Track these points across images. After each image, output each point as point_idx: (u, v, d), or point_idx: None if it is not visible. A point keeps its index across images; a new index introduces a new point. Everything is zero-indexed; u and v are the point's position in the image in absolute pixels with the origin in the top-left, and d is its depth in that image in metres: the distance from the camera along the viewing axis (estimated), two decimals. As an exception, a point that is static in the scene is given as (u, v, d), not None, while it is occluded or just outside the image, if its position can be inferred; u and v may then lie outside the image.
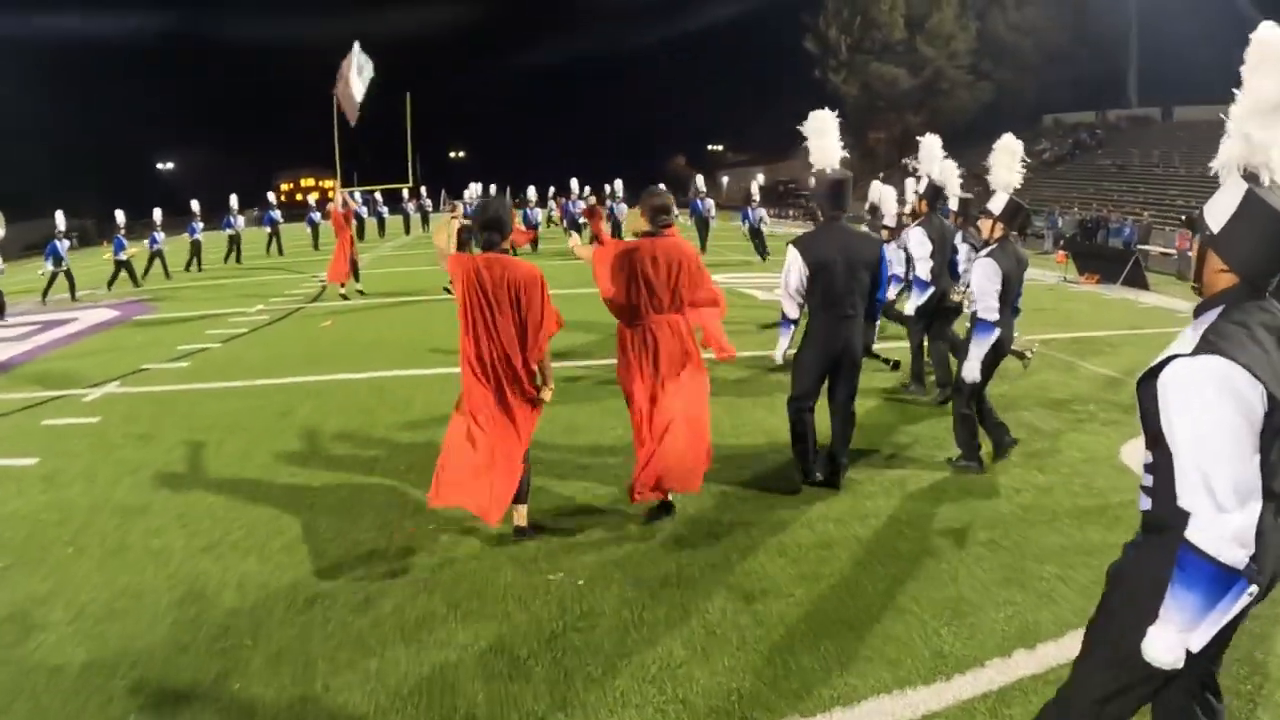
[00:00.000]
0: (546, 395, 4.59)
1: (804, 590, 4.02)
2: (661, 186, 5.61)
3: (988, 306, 5.34)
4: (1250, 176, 2.12)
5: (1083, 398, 7.49)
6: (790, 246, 5.01)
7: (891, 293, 9.73)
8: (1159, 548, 2.04)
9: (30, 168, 48.35)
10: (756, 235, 20.27)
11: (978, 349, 5.38)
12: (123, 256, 18.87)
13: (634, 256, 4.64)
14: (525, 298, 4.26)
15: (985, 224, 5.62)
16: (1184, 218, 25.34)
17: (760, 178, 23.05)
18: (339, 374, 8.72)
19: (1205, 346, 1.94)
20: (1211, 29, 35.16)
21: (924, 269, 7.15)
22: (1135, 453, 6.01)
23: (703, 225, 22.28)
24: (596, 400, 7.41)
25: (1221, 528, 1.87)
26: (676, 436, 4.58)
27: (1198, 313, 2.13)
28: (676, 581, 4.07)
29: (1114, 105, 47.39)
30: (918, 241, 7.22)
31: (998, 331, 5.37)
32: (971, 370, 5.40)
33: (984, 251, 5.53)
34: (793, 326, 5.18)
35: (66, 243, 17.75)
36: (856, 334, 5.13)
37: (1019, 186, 5.95)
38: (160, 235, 21.20)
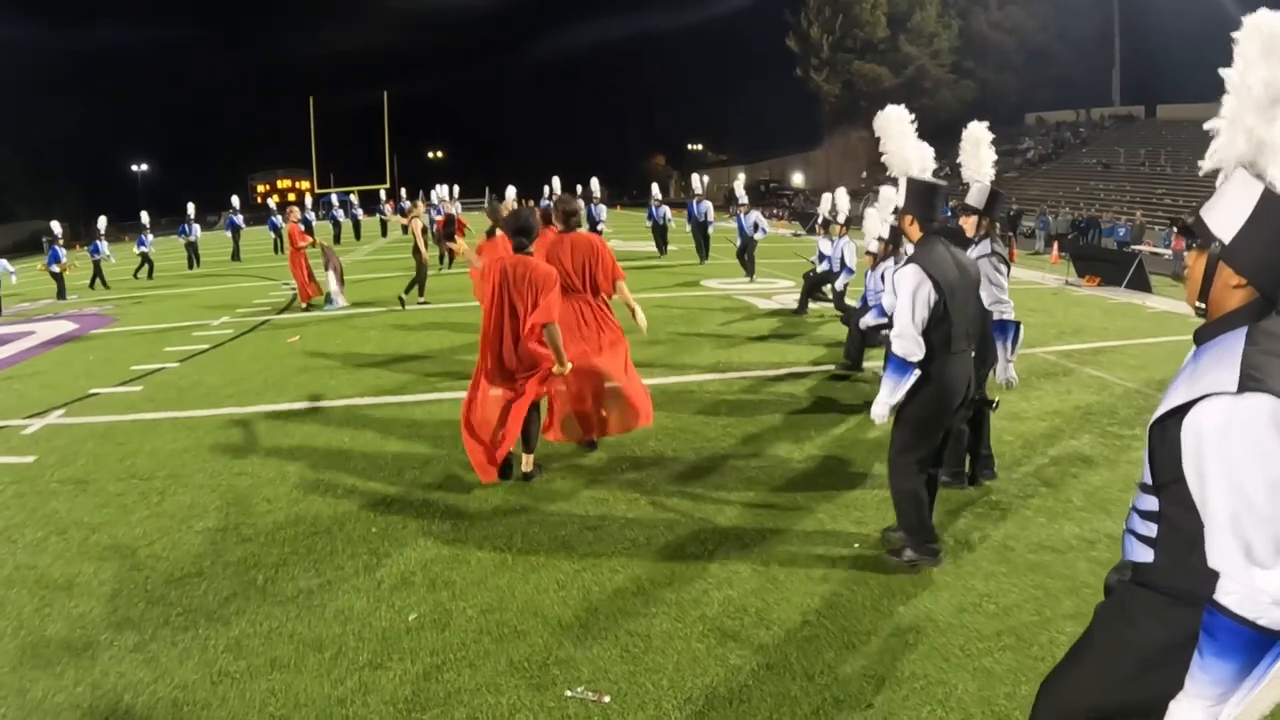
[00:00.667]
0: (557, 369, 5.27)
1: (884, 697, 3.22)
2: (568, 195, 6.65)
3: (1008, 306, 5.09)
4: (1257, 176, 1.86)
5: (1124, 418, 6.84)
6: (911, 267, 3.98)
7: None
8: (1168, 609, 1.84)
9: (4, 171, 47.32)
10: (748, 248, 16.35)
11: (1008, 351, 5.16)
12: (55, 269, 18.24)
13: (552, 247, 5.66)
14: (543, 289, 5.08)
15: (968, 221, 5.20)
16: (1173, 226, 24.95)
17: (741, 176, 21.81)
18: (305, 401, 7.80)
19: (1252, 383, 1.67)
20: (1194, 27, 35.26)
21: None
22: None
23: (700, 231, 19.91)
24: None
25: (1262, 589, 1.64)
26: (610, 396, 5.83)
27: (1204, 336, 1.89)
28: (727, 696, 3.23)
29: (1097, 104, 47.29)
30: None
31: (1023, 330, 5.20)
32: (1010, 374, 5.22)
33: (978, 249, 5.14)
34: (914, 373, 3.99)
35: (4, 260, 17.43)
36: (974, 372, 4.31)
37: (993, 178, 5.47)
38: (103, 244, 20.44)
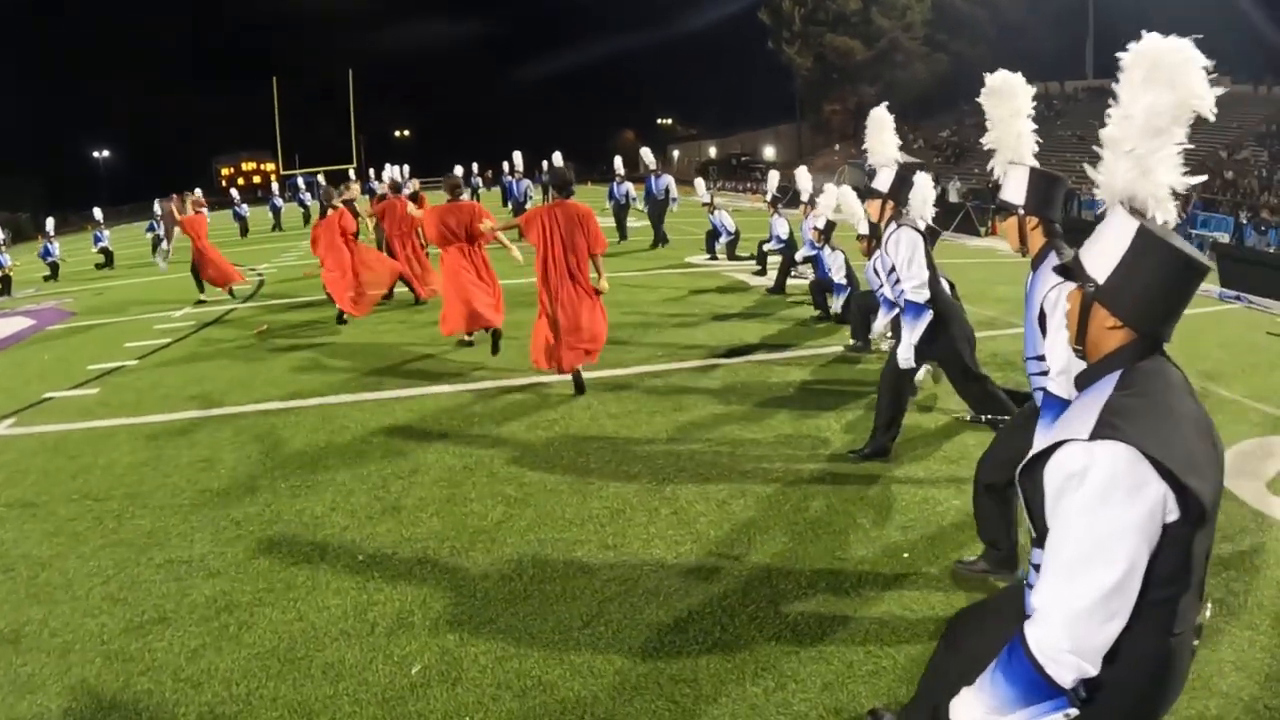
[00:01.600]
0: (604, 285, 6.77)
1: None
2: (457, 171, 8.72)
3: (919, 284, 4.76)
4: (1134, 213, 1.86)
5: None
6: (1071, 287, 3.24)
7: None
8: None
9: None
10: (732, 245, 15.31)
11: (912, 334, 4.78)
12: None
13: (442, 211, 7.99)
14: (586, 224, 6.55)
15: (873, 205, 5.04)
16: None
17: (712, 151, 20.17)
18: (275, 401, 7.15)
19: (1105, 429, 1.61)
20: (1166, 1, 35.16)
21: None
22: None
23: (658, 210, 17.65)
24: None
25: (1064, 643, 1.60)
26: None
27: (1083, 381, 1.84)
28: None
29: (1070, 77, 47.05)
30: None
31: (930, 312, 4.80)
32: (907, 356, 4.81)
33: (894, 226, 4.94)
34: None
35: None
36: None
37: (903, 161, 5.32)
38: (54, 246, 20.17)
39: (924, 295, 4.74)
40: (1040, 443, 1.75)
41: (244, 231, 26.96)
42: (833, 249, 9.62)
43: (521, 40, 79.18)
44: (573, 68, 76.75)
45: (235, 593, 3.91)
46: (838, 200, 9.59)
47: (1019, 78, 3.84)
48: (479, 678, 3.18)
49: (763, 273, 13.08)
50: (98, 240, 21.67)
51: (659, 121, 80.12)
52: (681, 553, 4.14)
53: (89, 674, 3.35)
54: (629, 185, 19.04)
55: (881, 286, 7.09)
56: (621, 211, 18.91)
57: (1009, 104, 3.81)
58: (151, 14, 66.34)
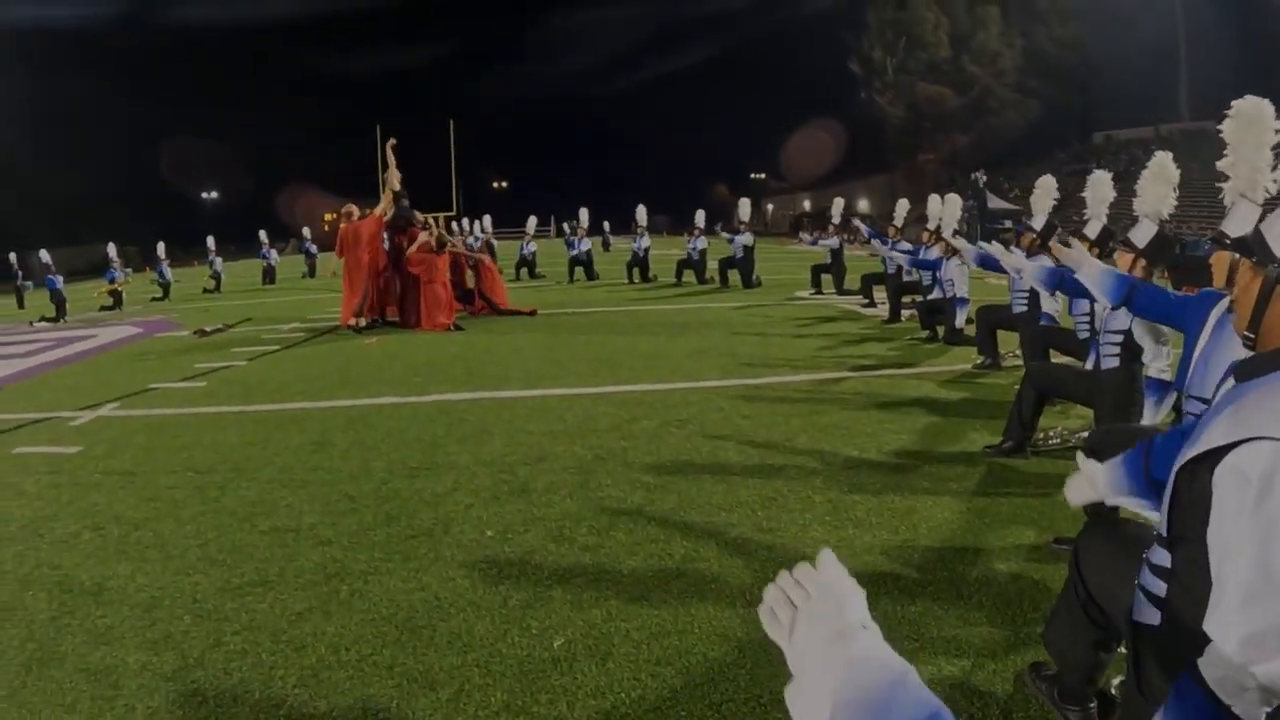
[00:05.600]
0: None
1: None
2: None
3: (1166, 364, 4.28)
4: None
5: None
6: None
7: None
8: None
9: (77, 197, 48.95)
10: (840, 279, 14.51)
11: (1156, 418, 4.28)
12: (116, 285, 19.03)
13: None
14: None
15: (1124, 259, 4.30)
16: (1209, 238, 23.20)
17: (806, 204, 18.79)
18: (389, 396, 6.87)
19: None
20: (1260, 38, 33.42)
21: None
22: None
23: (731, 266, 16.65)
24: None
25: (1249, 678, 1.32)
26: None
27: (1250, 372, 1.53)
28: None
29: (1165, 119, 45.26)
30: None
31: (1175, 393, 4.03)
32: None
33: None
34: None
35: (60, 276, 18.16)
36: None
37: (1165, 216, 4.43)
38: (167, 269, 21.30)
39: (1168, 375, 4.20)
40: (1216, 437, 1.45)
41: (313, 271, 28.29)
42: (959, 262, 9.12)
43: (617, 100, 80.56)
44: (666, 122, 77.61)
45: (347, 561, 3.49)
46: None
47: (1268, 106, 3.58)
48: (632, 653, 2.66)
49: (870, 304, 12.52)
50: (212, 265, 22.81)
51: (752, 176, 79.99)
52: (844, 537, 3.57)
53: (175, 630, 2.96)
54: (703, 239, 18.30)
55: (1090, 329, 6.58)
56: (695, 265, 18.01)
57: (1252, 133, 3.55)
58: (257, 62, 69.82)
